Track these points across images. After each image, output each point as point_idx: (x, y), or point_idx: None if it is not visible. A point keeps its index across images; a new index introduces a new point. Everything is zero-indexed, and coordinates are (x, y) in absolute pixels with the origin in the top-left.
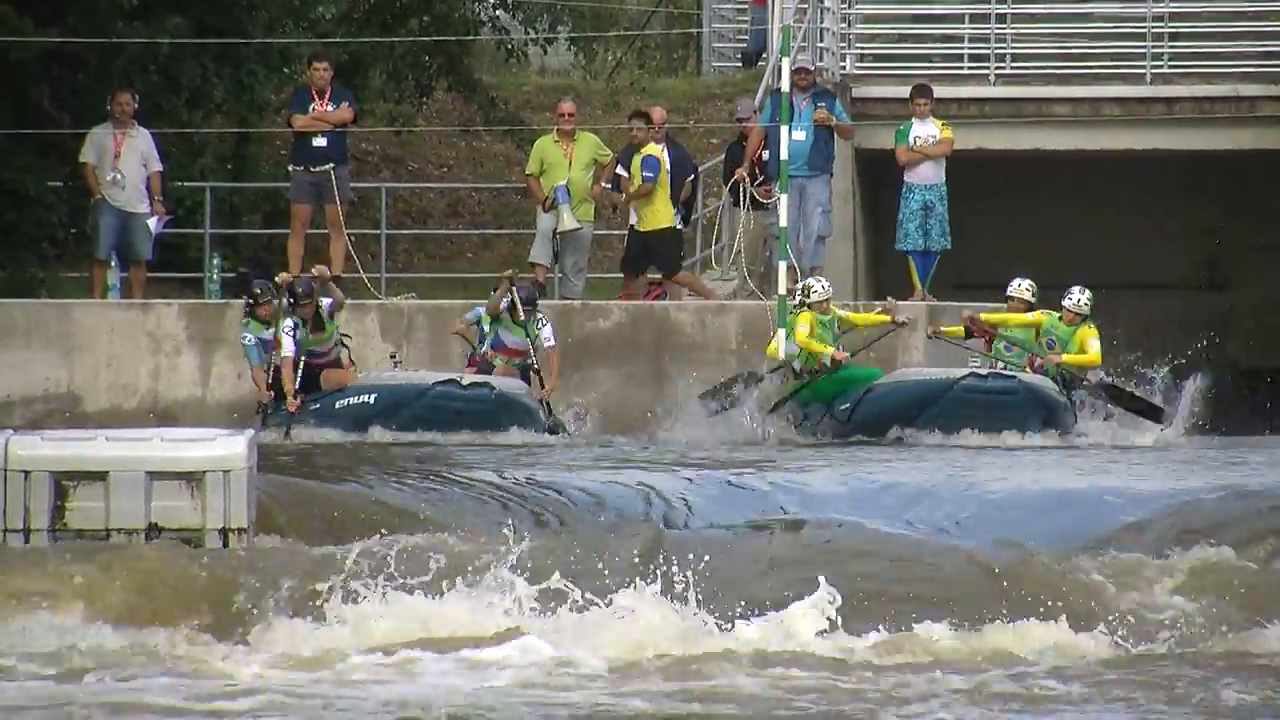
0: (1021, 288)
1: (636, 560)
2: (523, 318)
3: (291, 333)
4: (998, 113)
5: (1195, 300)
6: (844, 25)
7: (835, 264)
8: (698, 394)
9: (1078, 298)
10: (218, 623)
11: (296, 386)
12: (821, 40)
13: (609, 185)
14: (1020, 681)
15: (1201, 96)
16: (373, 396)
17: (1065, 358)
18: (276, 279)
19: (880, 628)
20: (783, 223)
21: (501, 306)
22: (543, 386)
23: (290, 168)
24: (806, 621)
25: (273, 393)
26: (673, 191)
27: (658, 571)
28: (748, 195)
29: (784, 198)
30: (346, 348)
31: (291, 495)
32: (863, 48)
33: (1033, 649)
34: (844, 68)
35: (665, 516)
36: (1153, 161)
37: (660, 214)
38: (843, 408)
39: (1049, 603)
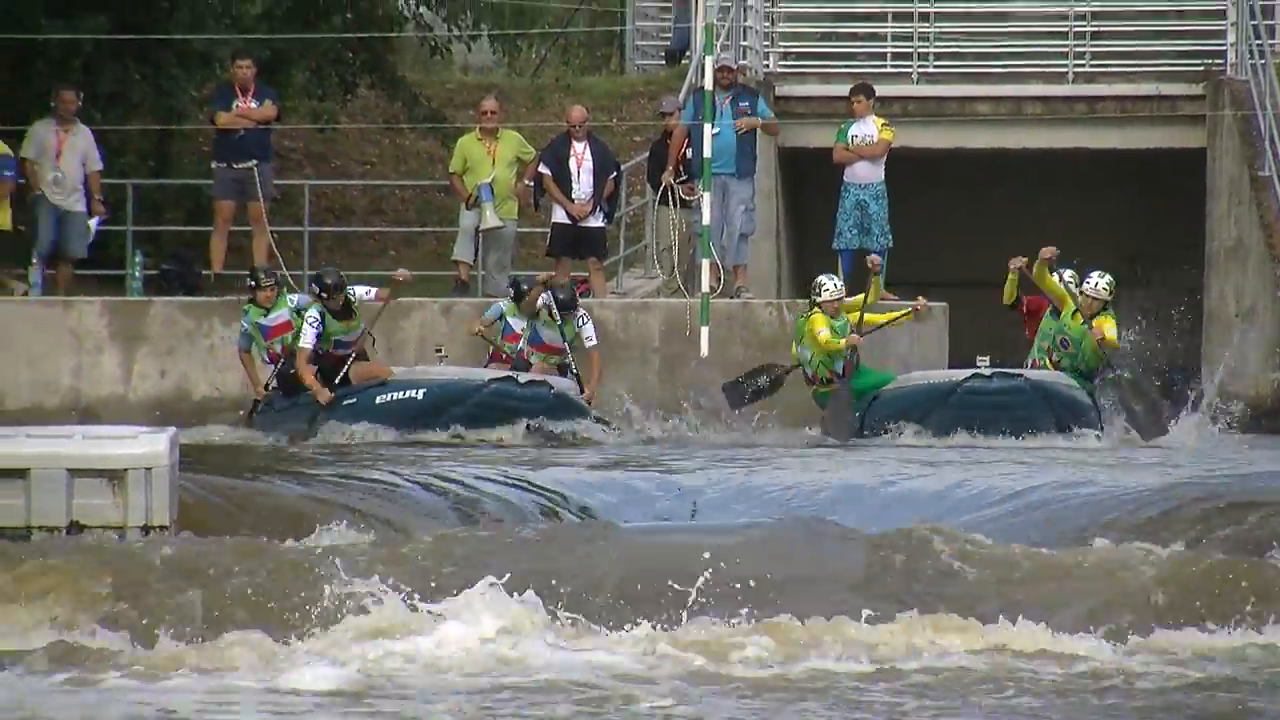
0: (1099, 287)
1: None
2: (559, 321)
3: (315, 324)
4: (921, 111)
5: (1117, 298)
6: (767, 24)
7: (758, 262)
8: (720, 385)
9: (1097, 282)
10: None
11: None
12: (745, 39)
13: (531, 183)
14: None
15: (1123, 95)
16: (421, 392)
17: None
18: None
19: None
20: (706, 221)
21: (539, 305)
22: (582, 387)
23: (213, 164)
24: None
25: (276, 385)
26: (595, 189)
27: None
28: (675, 195)
29: (707, 196)
30: (372, 337)
31: (216, 492)
32: (786, 46)
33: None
34: (767, 66)
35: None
36: (1075, 160)
37: None
38: (854, 415)
39: None
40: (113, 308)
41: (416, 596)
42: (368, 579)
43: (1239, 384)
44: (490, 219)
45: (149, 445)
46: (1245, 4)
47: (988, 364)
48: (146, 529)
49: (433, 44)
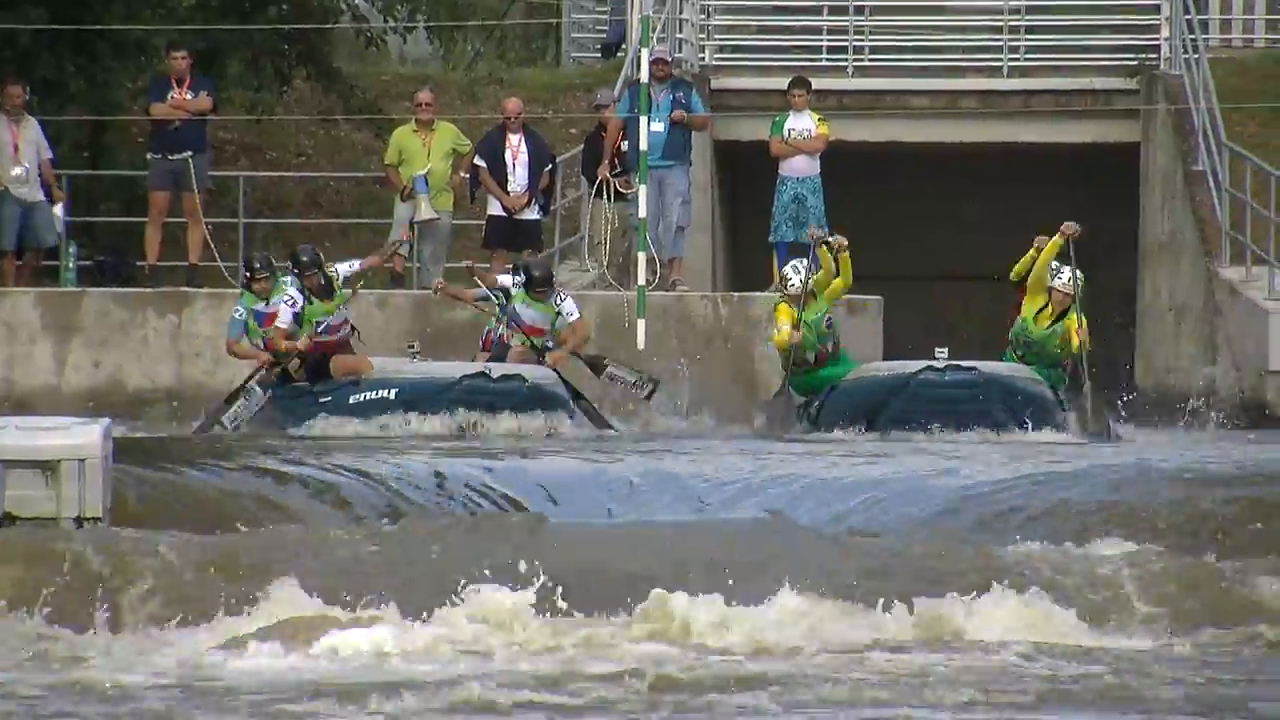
0: (1067, 283)
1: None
2: (541, 299)
3: (293, 305)
4: (856, 104)
5: None
6: (703, 16)
7: (694, 255)
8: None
9: (1068, 277)
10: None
11: (300, 371)
12: (680, 31)
13: (467, 175)
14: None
15: (1058, 89)
16: (393, 391)
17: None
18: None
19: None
20: (642, 214)
21: (510, 283)
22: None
23: (148, 155)
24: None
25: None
26: (531, 182)
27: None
28: (611, 188)
29: (643, 189)
30: (356, 330)
31: (149, 484)
32: (722, 39)
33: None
34: (703, 59)
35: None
36: (1010, 154)
37: None
38: (815, 405)
39: None
40: (46, 299)
41: None
42: None
43: (1172, 379)
44: (425, 211)
45: (83, 436)
46: None
47: (945, 356)
48: (80, 520)
49: (368, 35)
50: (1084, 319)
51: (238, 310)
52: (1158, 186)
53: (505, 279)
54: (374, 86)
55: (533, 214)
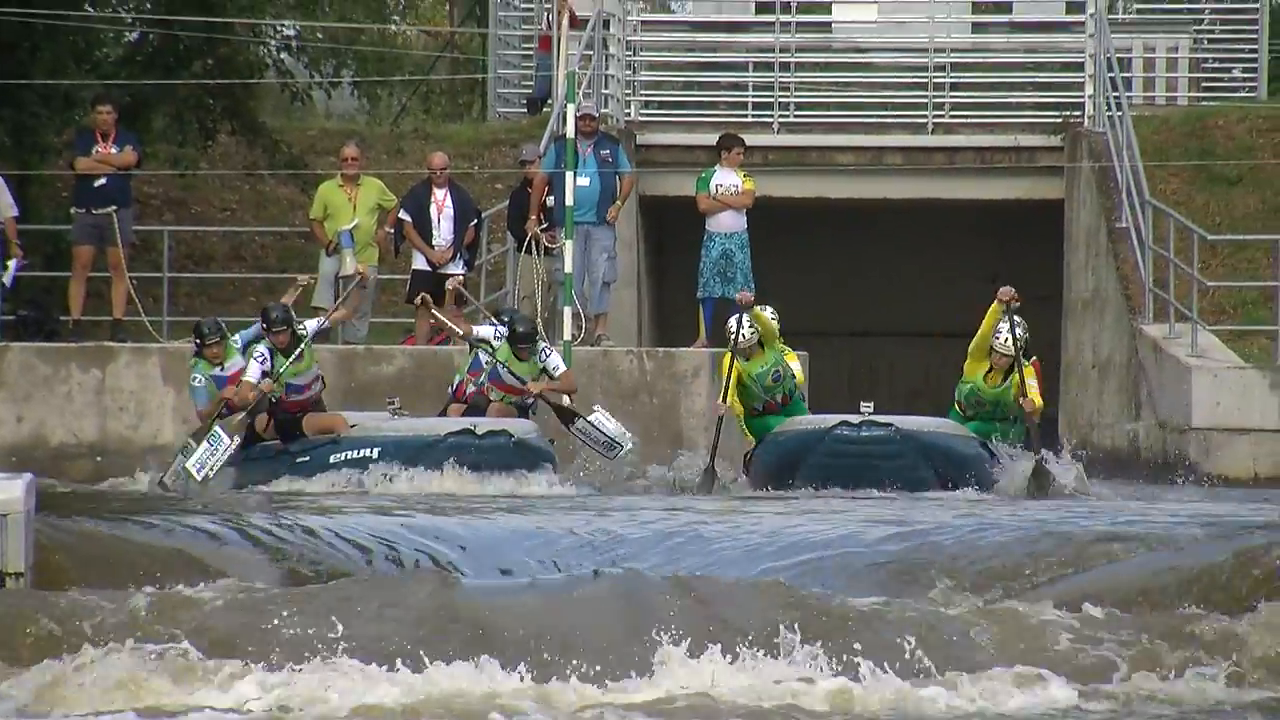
0: (1006, 343)
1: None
2: (524, 358)
3: (263, 360)
4: (782, 161)
5: None
6: (629, 72)
7: (620, 310)
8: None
9: (1005, 336)
10: None
11: (270, 430)
12: (606, 87)
13: (392, 230)
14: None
15: (982, 146)
16: (375, 450)
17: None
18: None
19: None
20: (568, 269)
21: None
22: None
23: (72, 210)
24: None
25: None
26: (455, 236)
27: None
28: (539, 244)
29: (569, 244)
30: (324, 382)
31: (74, 539)
32: (647, 95)
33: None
34: (629, 115)
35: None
36: (935, 210)
37: None
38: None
39: None
40: None
41: None
42: None
43: (1095, 435)
44: (350, 266)
45: (5, 491)
46: (1103, 56)
47: (870, 411)
48: (2, 576)
49: (293, 90)
50: (1035, 375)
51: (195, 379)
52: (1081, 243)
53: (486, 330)
54: (299, 141)
55: (457, 269)
